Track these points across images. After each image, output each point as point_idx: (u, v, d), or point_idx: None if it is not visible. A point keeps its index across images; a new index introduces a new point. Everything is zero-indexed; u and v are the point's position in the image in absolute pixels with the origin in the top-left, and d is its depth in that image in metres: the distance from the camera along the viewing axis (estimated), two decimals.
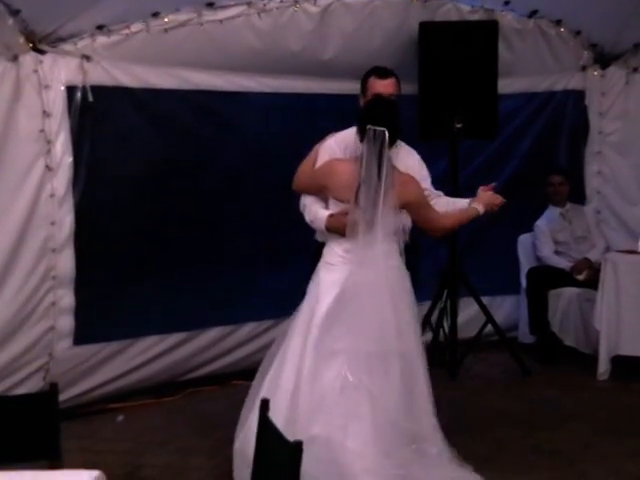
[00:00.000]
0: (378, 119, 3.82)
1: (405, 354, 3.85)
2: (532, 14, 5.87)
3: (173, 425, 4.88)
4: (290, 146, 5.69)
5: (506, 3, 5.71)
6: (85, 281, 4.89)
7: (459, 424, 4.72)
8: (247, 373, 5.62)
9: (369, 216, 3.82)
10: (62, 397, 4.82)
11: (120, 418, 4.96)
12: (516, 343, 6.20)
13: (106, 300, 5.00)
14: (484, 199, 4.12)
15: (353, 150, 4.02)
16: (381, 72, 4.27)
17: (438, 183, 5.84)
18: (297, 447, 2.31)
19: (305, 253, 5.81)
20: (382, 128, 3.77)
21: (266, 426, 2.63)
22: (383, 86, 4.19)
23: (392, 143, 3.82)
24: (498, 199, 4.13)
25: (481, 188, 4.17)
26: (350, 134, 4.08)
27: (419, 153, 5.95)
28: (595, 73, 6.32)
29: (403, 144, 4.18)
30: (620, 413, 4.99)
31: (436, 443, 3.89)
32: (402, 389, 3.82)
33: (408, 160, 4.16)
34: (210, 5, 4.94)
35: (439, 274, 5.77)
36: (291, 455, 2.32)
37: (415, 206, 3.94)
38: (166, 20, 4.85)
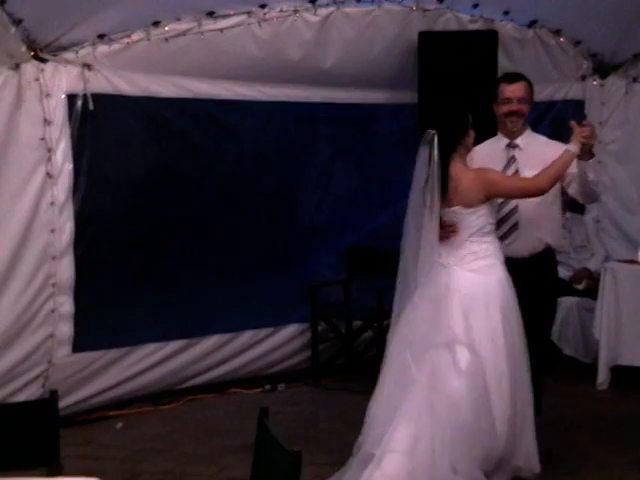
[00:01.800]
0: (432, 122, 4.00)
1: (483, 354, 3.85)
2: (532, 24, 5.88)
3: (172, 433, 4.88)
4: (290, 154, 5.73)
5: (506, 13, 5.72)
6: (85, 288, 4.90)
7: None
8: (246, 381, 5.67)
9: (434, 218, 3.92)
10: (61, 404, 4.80)
11: (119, 425, 4.97)
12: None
13: (105, 307, 5.02)
14: (574, 137, 3.95)
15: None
16: (510, 77, 4.34)
17: None
18: (297, 455, 2.31)
19: (304, 261, 5.85)
20: (432, 131, 3.91)
21: (265, 434, 2.62)
22: (511, 91, 4.23)
23: (444, 145, 3.91)
24: (585, 131, 3.93)
25: (571, 123, 4.00)
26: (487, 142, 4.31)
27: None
28: (595, 83, 6.33)
29: (538, 137, 4.32)
30: (620, 423, 4.98)
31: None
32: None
33: (545, 154, 4.07)
34: (210, 14, 4.97)
35: None
36: (291, 463, 2.31)
37: (499, 192, 3.98)
38: (167, 29, 4.88)
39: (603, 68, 6.30)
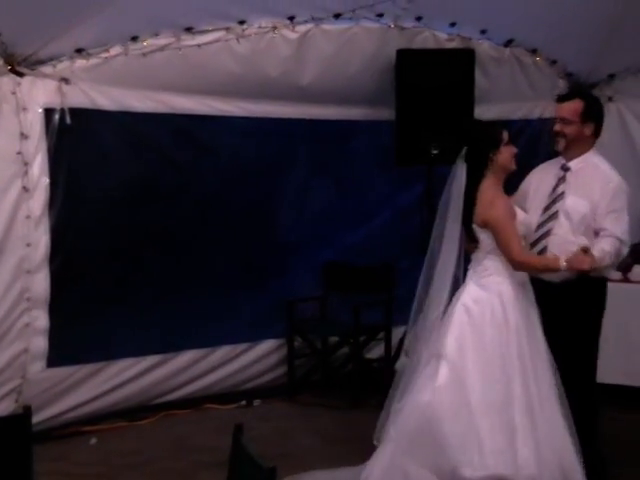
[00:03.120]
0: (465, 138, 4.10)
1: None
2: (508, 43, 5.94)
3: (146, 448, 4.85)
4: (267, 170, 5.74)
5: (483, 32, 5.77)
6: (60, 303, 4.87)
7: None
8: (221, 397, 5.65)
9: (455, 232, 4.02)
10: (35, 419, 4.73)
11: (93, 441, 4.94)
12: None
13: (80, 322, 4.98)
14: (573, 257, 3.86)
15: None
16: (561, 97, 4.31)
17: (414, 206, 5.96)
18: (271, 471, 2.31)
19: (280, 276, 5.85)
20: (464, 147, 4.01)
21: (240, 450, 2.61)
22: (558, 110, 4.20)
23: (472, 161, 3.99)
24: (585, 264, 3.83)
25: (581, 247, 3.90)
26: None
27: (396, 177, 6.05)
28: None
29: (596, 161, 4.16)
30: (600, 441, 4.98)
31: None
32: None
33: (592, 184, 4.07)
34: (189, 30, 4.97)
35: (415, 298, 5.78)
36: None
37: (494, 229, 3.94)
38: (145, 44, 4.87)
39: (579, 87, 6.36)
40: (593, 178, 4.10)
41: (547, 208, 4.16)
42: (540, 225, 4.13)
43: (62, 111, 4.76)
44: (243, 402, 5.66)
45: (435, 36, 5.67)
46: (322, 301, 6.06)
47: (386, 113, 5.67)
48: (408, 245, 6.06)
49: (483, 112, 5.88)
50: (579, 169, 4.14)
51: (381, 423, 4.12)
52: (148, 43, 4.88)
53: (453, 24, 5.65)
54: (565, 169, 4.19)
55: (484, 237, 3.98)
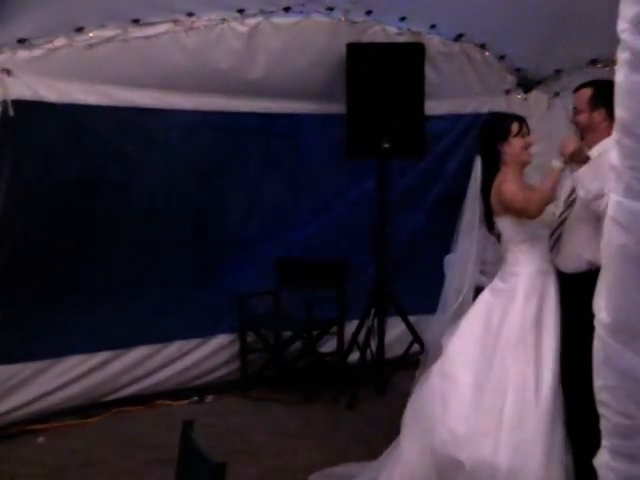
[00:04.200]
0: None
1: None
2: (458, 38, 5.97)
3: (96, 446, 4.79)
4: (218, 165, 5.70)
5: (432, 26, 5.79)
6: (5, 299, 4.78)
7: (389, 441, 4.75)
8: (173, 393, 5.60)
9: (472, 226, 4.12)
10: None
11: (40, 440, 4.85)
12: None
13: (28, 319, 4.91)
14: (560, 149, 3.89)
15: None
16: (575, 88, 4.15)
17: (366, 201, 5.97)
18: (220, 467, 2.29)
19: (233, 272, 5.82)
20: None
21: (189, 446, 2.59)
22: (573, 100, 4.11)
23: (485, 153, 4.06)
24: (569, 144, 3.81)
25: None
26: None
27: (348, 171, 6.07)
28: (518, 97, 6.44)
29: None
30: None
31: None
32: None
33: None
34: (136, 21, 4.91)
35: (367, 293, 5.81)
36: (214, 476, 2.29)
37: (509, 209, 3.95)
38: (90, 35, 4.80)
39: (527, 83, 6.42)
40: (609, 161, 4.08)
41: (568, 197, 4.12)
42: (560, 215, 4.08)
43: (4, 103, 4.66)
44: (195, 398, 5.62)
45: (385, 30, 5.68)
46: (275, 296, 6.04)
47: (337, 107, 5.67)
48: (360, 240, 6.09)
49: (434, 106, 5.93)
50: (597, 157, 3.94)
51: None
52: (94, 35, 4.80)
53: (403, 18, 5.66)
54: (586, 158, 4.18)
55: (503, 225, 4.01)
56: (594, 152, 4.02)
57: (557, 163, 3.87)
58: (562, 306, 3.97)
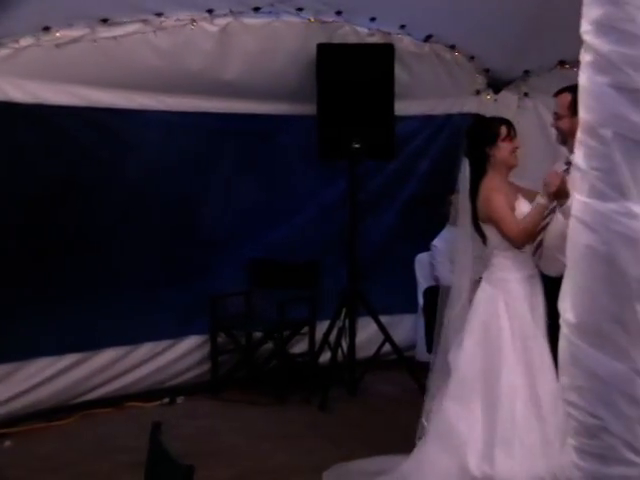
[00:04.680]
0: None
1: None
2: (428, 38, 5.99)
3: (65, 450, 4.75)
4: (190, 165, 5.68)
5: (402, 27, 5.81)
6: None
7: (360, 441, 4.77)
8: (143, 395, 5.57)
9: (467, 229, 4.14)
10: None
11: (7, 444, 4.79)
12: (414, 361, 6.27)
13: None
14: (544, 186, 3.85)
15: None
16: (555, 93, 4.18)
17: (338, 202, 5.98)
18: (189, 470, 2.28)
19: (204, 273, 5.79)
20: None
21: (157, 449, 2.58)
22: (555, 105, 4.15)
23: (472, 157, 4.07)
24: (554, 180, 3.77)
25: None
26: None
27: (320, 172, 6.07)
28: (488, 97, 6.48)
29: None
30: None
31: None
32: None
33: None
34: (104, 21, 4.87)
35: (339, 293, 5.81)
36: (183, 478, 2.28)
37: (494, 222, 3.99)
38: (58, 35, 4.75)
39: (496, 83, 6.47)
40: None
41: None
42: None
43: None
44: (166, 400, 5.59)
45: (355, 31, 5.69)
46: (246, 297, 6.03)
47: (309, 108, 5.67)
48: (332, 241, 6.09)
49: (404, 107, 5.95)
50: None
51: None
52: (61, 34, 4.76)
53: (373, 19, 5.68)
54: (567, 163, 4.18)
55: (488, 232, 4.04)
56: (574, 157, 4.05)
57: (542, 200, 3.86)
58: (548, 310, 4.01)
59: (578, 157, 2.28)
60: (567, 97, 4.02)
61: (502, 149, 4.04)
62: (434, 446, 4.00)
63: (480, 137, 4.09)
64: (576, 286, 2.34)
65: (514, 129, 4.14)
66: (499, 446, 3.83)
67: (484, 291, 4.09)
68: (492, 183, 4.02)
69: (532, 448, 3.80)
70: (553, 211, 4.04)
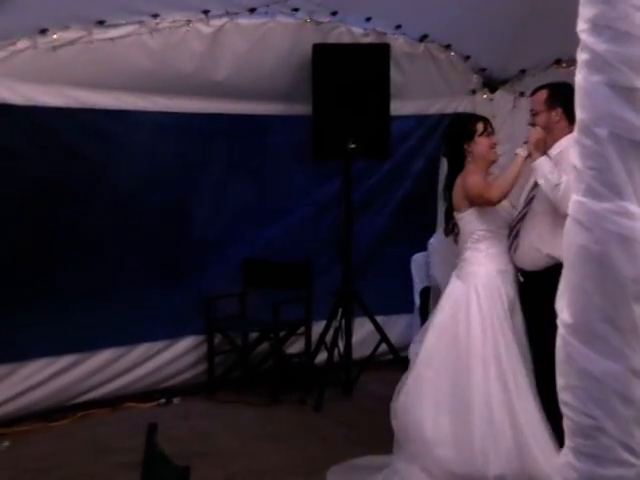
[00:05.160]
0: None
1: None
2: (422, 38, 5.99)
3: (62, 451, 4.74)
4: (181, 167, 5.68)
5: (397, 27, 5.81)
6: None
7: (355, 441, 4.77)
8: (140, 395, 5.57)
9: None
10: None
11: (5, 445, 4.78)
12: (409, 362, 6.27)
13: None
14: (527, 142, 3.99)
15: None
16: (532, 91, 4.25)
17: (332, 202, 5.98)
18: (185, 471, 2.28)
19: (199, 273, 5.80)
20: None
21: (153, 450, 2.58)
22: (531, 103, 4.20)
23: (450, 153, 4.19)
24: (533, 134, 3.94)
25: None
26: None
27: (314, 172, 6.08)
28: (484, 97, 6.48)
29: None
30: None
31: None
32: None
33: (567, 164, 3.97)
34: (100, 23, 4.87)
35: (334, 293, 5.81)
36: (179, 479, 2.28)
37: (470, 198, 4.04)
38: (55, 37, 4.74)
39: (492, 83, 6.47)
40: (568, 158, 4.13)
41: (528, 195, 4.18)
42: (519, 212, 4.17)
43: None
44: (162, 400, 5.59)
45: (350, 31, 5.69)
46: (241, 298, 6.03)
47: (303, 108, 5.68)
48: (326, 241, 6.10)
49: (399, 107, 5.96)
50: (556, 155, 4.06)
51: None
52: (58, 36, 4.75)
53: (368, 19, 5.68)
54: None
55: (464, 222, 4.08)
56: (553, 151, 4.08)
57: (521, 151, 3.96)
58: (523, 305, 4.01)
59: (574, 156, 2.29)
60: (543, 94, 4.09)
61: (480, 144, 4.10)
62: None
63: (458, 134, 4.16)
64: (571, 285, 2.35)
65: (491, 126, 4.21)
66: (477, 443, 3.84)
67: (453, 287, 4.11)
68: (469, 173, 4.09)
69: (507, 446, 3.81)
70: (530, 202, 4.08)
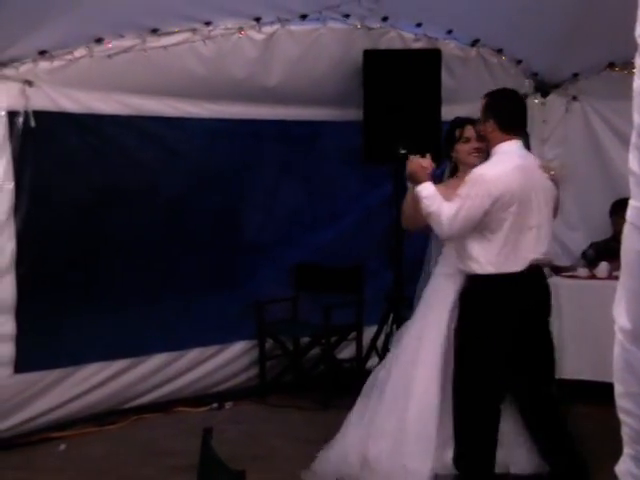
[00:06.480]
0: None
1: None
2: (474, 43, 5.96)
3: (116, 454, 4.81)
4: (234, 172, 5.73)
5: (449, 32, 5.79)
6: (27, 308, 4.81)
7: None
8: (192, 400, 5.62)
9: None
10: (2, 426, 4.77)
11: (62, 447, 4.87)
12: None
13: (48, 327, 4.93)
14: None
15: None
16: None
17: (383, 206, 5.97)
18: (240, 475, 2.30)
19: (250, 278, 5.83)
20: None
21: (209, 454, 2.60)
22: None
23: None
24: (408, 165, 4.07)
25: None
26: None
27: (365, 177, 6.07)
28: (536, 101, 6.43)
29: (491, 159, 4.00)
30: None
31: None
32: None
33: None
34: (154, 31, 4.93)
35: (385, 298, 5.80)
36: None
37: None
38: (110, 46, 4.82)
39: (544, 87, 6.42)
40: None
41: None
42: None
43: (26, 114, 4.70)
44: (214, 405, 5.63)
45: (401, 36, 5.68)
46: (293, 302, 6.05)
47: (354, 113, 5.68)
48: (377, 245, 6.09)
49: (450, 112, 5.90)
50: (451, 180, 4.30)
51: None
52: (113, 45, 4.82)
53: (419, 24, 5.66)
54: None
55: None
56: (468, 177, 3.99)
57: (409, 185, 4.16)
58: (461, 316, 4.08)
59: (632, 162, 2.25)
60: (483, 102, 4.04)
61: (459, 151, 4.23)
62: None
63: (445, 140, 4.34)
64: (629, 292, 2.30)
65: (472, 130, 4.17)
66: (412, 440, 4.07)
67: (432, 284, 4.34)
68: (453, 180, 4.21)
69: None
70: None
